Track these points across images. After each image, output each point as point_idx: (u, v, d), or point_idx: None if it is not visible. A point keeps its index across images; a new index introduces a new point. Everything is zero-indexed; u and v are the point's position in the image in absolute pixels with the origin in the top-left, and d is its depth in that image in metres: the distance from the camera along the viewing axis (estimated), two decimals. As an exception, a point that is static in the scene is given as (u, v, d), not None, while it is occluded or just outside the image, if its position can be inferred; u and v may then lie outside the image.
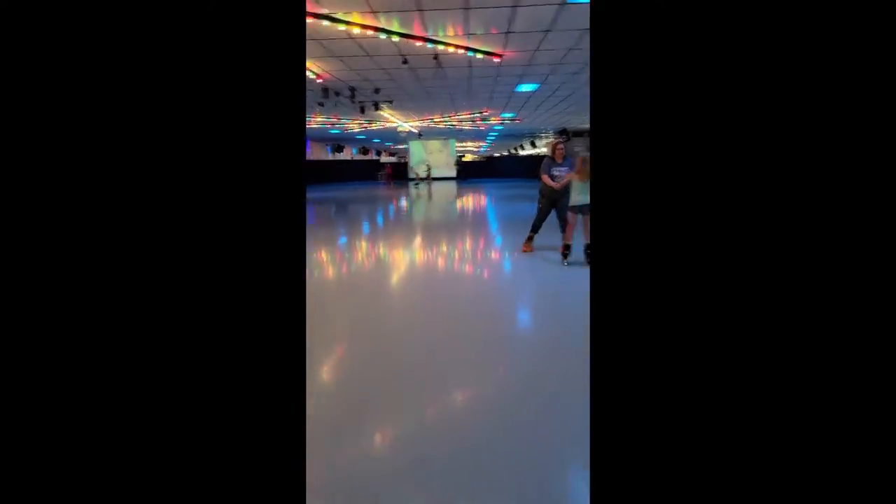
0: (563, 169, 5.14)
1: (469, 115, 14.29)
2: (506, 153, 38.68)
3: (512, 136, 23.66)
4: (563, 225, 5.13)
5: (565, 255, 4.90)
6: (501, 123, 16.37)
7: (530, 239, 5.59)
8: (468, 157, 35.68)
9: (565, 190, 5.13)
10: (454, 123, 16.18)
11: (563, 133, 18.70)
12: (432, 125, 16.57)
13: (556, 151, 5.19)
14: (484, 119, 15.48)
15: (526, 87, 9.55)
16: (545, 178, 5.21)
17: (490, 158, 30.65)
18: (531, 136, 24.81)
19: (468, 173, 26.36)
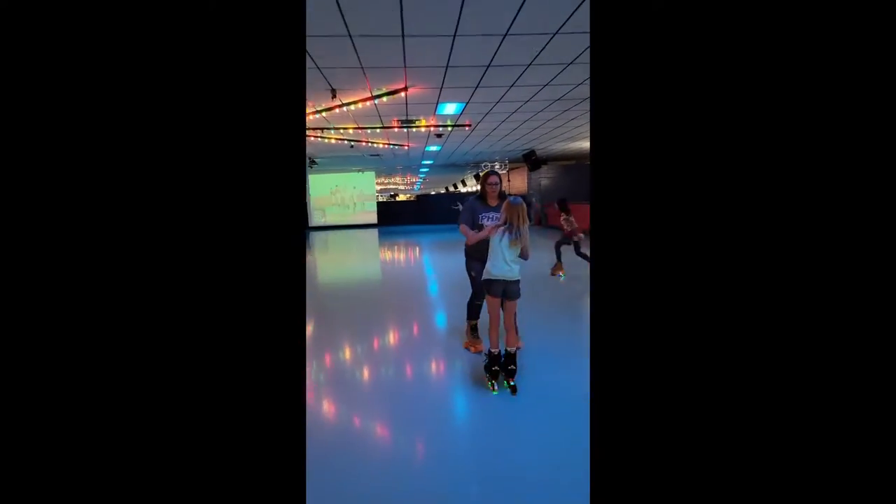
0: (497, 215, 3.04)
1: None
2: (442, 191, 32.46)
3: (453, 165, 17.37)
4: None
5: (492, 375, 2.75)
6: (438, 130, 9.87)
7: (473, 329, 3.43)
8: (401, 197, 28.77)
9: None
10: (354, 140, 9.48)
11: (530, 157, 12.37)
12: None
13: (489, 187, 3.16)
14: (407, 126, 8.91)
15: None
16: (465, 229, 3.12)
17: (423, 198, 22.78)
18: (476, 168, 18.61)
19: (395, 217, 18.91)
